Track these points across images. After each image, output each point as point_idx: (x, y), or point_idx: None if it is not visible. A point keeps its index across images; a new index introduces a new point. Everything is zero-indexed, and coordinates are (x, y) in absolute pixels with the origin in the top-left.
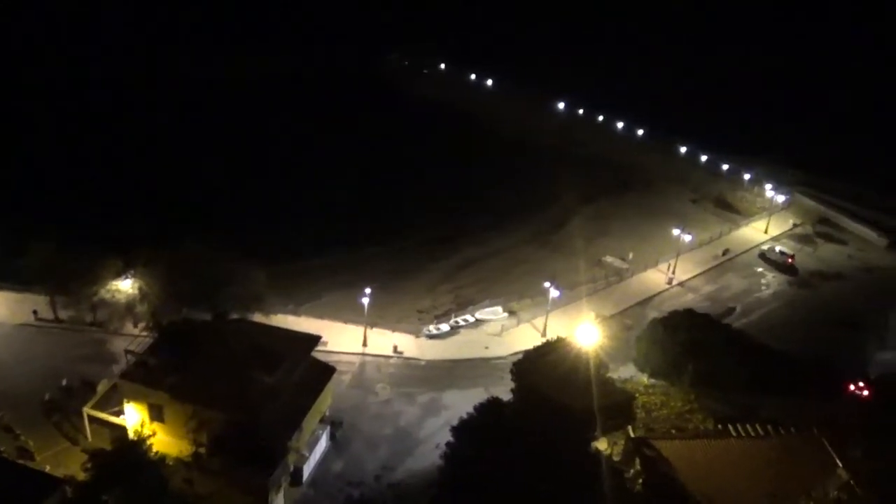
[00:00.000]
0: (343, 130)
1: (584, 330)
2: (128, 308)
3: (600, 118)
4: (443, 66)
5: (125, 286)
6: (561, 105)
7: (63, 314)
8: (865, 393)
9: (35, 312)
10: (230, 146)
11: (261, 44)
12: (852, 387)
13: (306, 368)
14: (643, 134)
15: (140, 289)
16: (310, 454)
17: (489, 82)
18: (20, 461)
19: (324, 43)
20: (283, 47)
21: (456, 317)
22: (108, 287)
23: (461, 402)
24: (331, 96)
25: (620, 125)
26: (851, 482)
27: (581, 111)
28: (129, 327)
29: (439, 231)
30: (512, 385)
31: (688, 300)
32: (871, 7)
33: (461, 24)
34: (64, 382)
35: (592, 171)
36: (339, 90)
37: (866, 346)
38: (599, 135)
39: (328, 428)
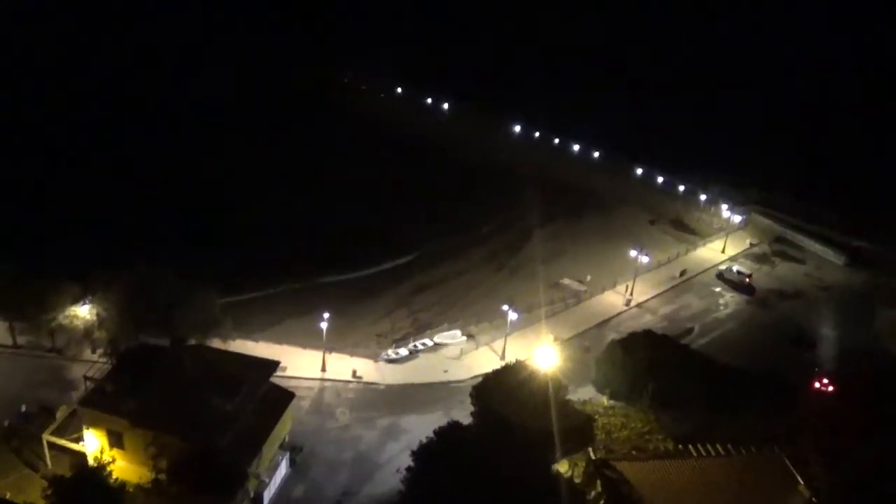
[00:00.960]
0: (298, 155)
1: (542, 352)
2: (86, 334)
3: (556, 140)
4: (399, 90)
5: (83, 312)
6: (517, 128)
7: (21, 339)
8: (830, 388)
9: None
10: (185, 168)
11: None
12: (818, 384)
13: (265, 394)
14: (599, 156)
15: (98, 314)
16: (270, 480)
17: (445, 106)
18: None
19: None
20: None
21: (414, 341)
22: (66, 313)
23: (421, 426)
24: (286, 118)
25: (576, 147)
26: (813, 499)
27: (536, 134)
28: (87, 353)
29: (395, 254)
30: (472, 408)
31: (646, 321)
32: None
33: (418, 44)
34: (23, 408)
35: (549, 194)
36: (293, 112)
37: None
38: (555, 157)
39: (288, 453)
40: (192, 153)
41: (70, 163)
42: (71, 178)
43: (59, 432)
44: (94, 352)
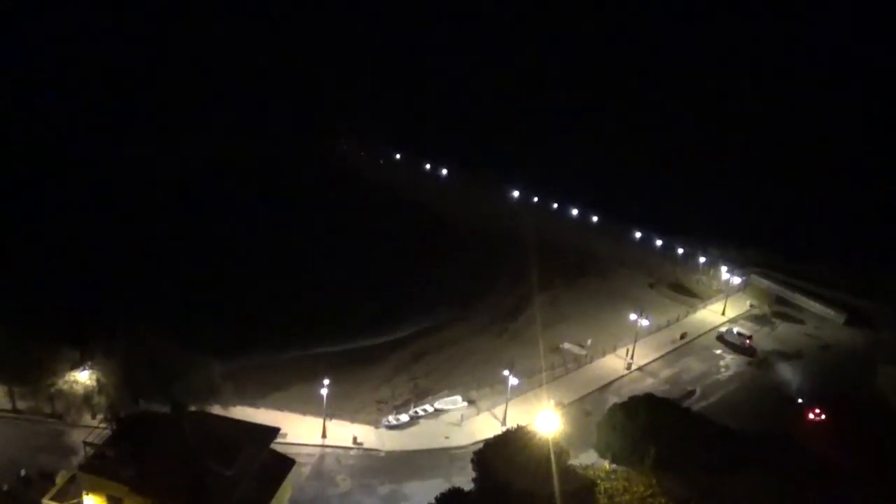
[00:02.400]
0: (297, 223)
1: (544, 418)
2: (85, 399)
3: (554, 205)
4: (398, 155)
5: (82, 377)
6: (515, 193)
7: (21, 404)
8: (822, 417)
9: None
10: (188, 234)
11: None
12: (811, 414)
13: (265, 460)
14: (597, 220)
15: (97, 380)
16: None
17: (444, 171)
18: None
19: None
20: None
21: (415, 407)
22: (65, 378)
23: (422, 493)
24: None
25: (575, 212)
26: None
27: (535, 199)
28: (87, 418)
29: (393, 321)
30: (473, 474)
31: (647, 384)
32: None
33: (408, 111)
34: (22, 473)
35: (548, 259)
36: (291, 179)
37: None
38: (553, 222)
39: None
40: (196, 219)
41: (73, 224)
42: (73, 239)
43: (58, 497)
44: (93, 417)
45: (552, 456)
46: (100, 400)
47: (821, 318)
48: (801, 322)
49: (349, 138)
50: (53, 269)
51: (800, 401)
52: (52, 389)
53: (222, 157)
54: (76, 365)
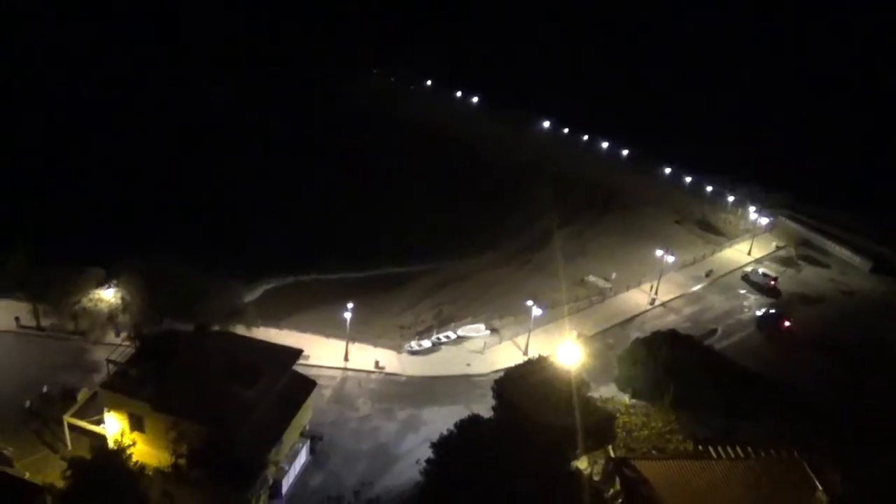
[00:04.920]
0: (327, 148)
1: (566, 349)
2: (109, 318)
3: (584, 138)
4: (429, 82)
5: (107, 295)
6: (546, 124)
7: (45, 322)
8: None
9: (17, 319)
10: (214, 158)
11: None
12: (787, 322)
13: (287, 382)
14: (627, 155)
15: (122, 299)
16: (289, 468)
17: (474, 100)
18: None
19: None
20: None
21: (438, 333)
22: (90, 296)
23: (441, 419)
24: (318, 115)
25: (605, 145)
26: None
27: (566, 131)
28: (110, 337)
29: (421, 248)
30: (493, 403)
31: (670, 321)
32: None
33: (446, 41)
34: (45, 390)
35: (575, 192)
36: (325, 109)
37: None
38: (582, 155)
39: (308, 442)
40: (216, 150)
41: (100, 159)
42: (96, 173)
43: (79, 414)
44: (117, 336)
45: (573, 387)
46: (124, 318)
47: (847, 263)
48: (826, 266)
49: (380, 67)
50: (78, 198)
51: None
52: (76, 307)
53: (258, 85)
54: (101, 283)
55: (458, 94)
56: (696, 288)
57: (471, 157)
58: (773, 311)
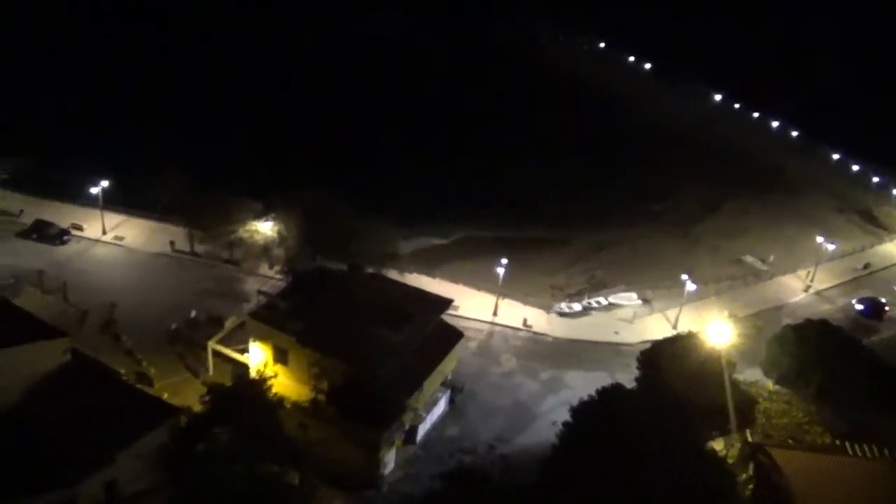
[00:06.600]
0: (488, 104)
1: (716, 327)
2: (264, 250)
3: (755, 115)
4: (602, 44)
5: (264, 228)
6: (717, 97)
7: (199, 248)
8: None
9: (172, 243)
10: (379, 105)
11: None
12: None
13: (434, 330)
14: (796, 136)
15: (279, 232)
16: (427, 415)
17: (647, 66)
18: (138, 386)
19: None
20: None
21: (589, 298)
22: (246, 227)
23: (583, 384)
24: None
25: (775, 124)
26: None
27: (736, 105)
28: (263, 269)
29: (579, 211)
30: (636, 373)
31: (822, 310)
32: None
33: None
34: (192, 315)
35: (739, 168)
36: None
37: None
38: (751, 132)
39: (448, 392)
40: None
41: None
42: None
43: (224, 342)
44: (270, 268)
45: (720, 367)
46: (278, 252)
47: None
48: None
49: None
50: (240, 125)
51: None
52: (232, 237)
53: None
54: (259, 215)
55: (631, 58)
56: (852, 279)
57: (638, 123)
58: (869, 298)
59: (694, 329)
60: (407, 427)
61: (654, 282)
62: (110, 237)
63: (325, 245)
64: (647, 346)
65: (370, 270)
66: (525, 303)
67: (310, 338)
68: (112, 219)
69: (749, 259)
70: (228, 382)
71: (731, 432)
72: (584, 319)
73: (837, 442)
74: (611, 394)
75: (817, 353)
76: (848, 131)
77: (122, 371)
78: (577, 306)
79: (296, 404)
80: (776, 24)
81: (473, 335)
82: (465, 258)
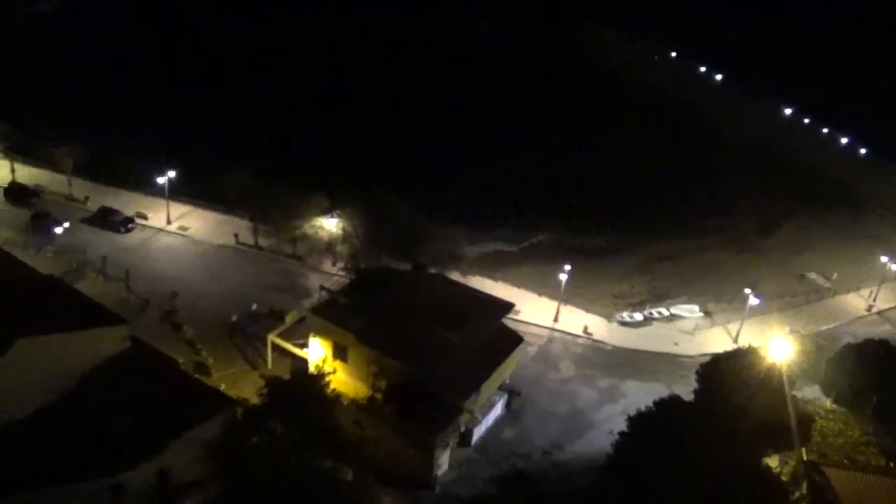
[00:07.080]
0: (560, 111)
1: (777, 343)
2: (328, 246)
3: (825, 130)
4: (674, 54)
5: (329, 224)
6: (787, 111)
7: (263, 242)
8: None
9: (236, 236)
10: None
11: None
12: None
13: (494, 333)
14: (866, 153)
15: (343, 229)
16: (483, 418)
17: (718, 77)
18: (196, 376)
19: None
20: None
21: (651, 308)
22: (312, 223)
23: (640, 394)
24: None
25: (844, 140)
26: None
27: (806, 121)
28: (326, 265)
29: (645, 221)
30: (695, 386)
31: (884, 330)
32: None
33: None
34: (253, 307)
35: (805, 184)
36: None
37: None
38: (819, 147)
39: (506, 396)
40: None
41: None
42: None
43: (284, 336)
44: (333, 264)
45: (780, 384)
46: (342, 249)
47: None
48: None
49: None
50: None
51: None
52: (297, 232)
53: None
54: (325, 212)
55: (702, 68)
56: None
57: (707, 134)
58: None
59: (755, 344)
60: (462, 429)
61: (717, 294)
62: (175, 227)
63: (389, 244)
64: (707, 358)
65: (433, 271)
66: (587, 310)
67: (370, 336)
68: (177, 209)
69: (813, 275)
70: (287, 376)
71: (793, 448)
72: (645, 329)
73: (892, 464)
74: (668, 405)
75: (876, 373)
76: None
77: (181, 360)
78: (638, 316)
79: (353, 401)
80: (852, 41)
81: (533, 340)
82: (528, 263)
